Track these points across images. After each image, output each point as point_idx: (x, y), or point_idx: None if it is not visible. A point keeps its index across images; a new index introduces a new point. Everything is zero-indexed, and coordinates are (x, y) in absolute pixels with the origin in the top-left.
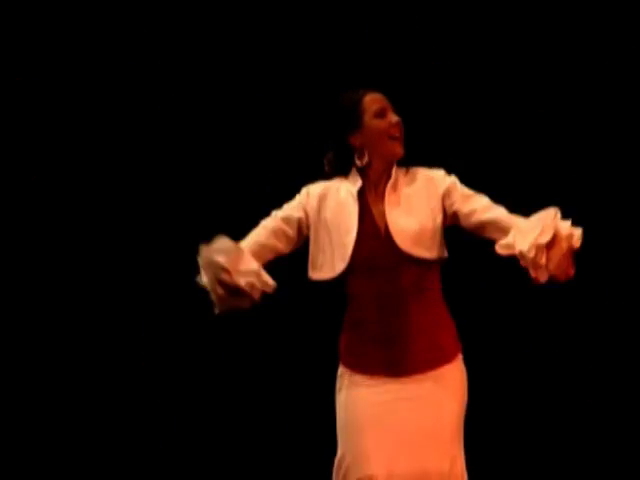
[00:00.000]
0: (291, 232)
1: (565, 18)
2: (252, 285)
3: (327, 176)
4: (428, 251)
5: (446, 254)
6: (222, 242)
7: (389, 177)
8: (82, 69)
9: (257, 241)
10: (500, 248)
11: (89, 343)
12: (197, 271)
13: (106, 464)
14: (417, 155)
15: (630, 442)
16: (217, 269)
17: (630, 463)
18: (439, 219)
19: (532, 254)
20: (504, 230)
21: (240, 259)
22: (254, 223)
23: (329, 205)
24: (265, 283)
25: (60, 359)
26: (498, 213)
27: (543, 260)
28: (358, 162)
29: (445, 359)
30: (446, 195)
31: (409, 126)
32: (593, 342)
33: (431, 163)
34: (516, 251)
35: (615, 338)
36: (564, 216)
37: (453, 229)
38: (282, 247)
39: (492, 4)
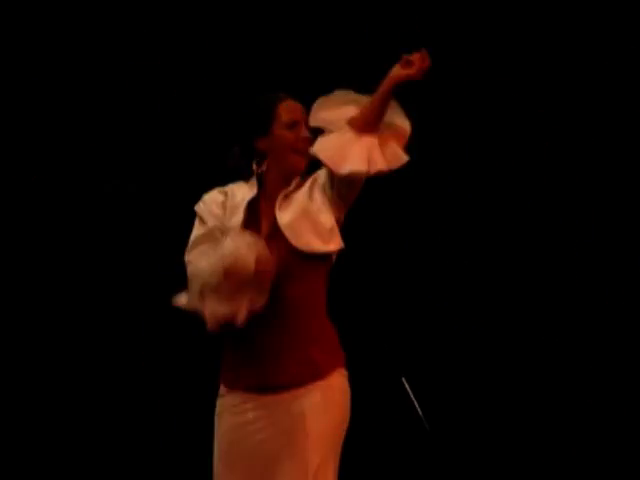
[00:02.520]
0: None
1: (564, 18)
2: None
3: (228, 171)
4: (323, 244)
5: (342, 245)
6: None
7: (286, 188)
8: (82, 69)
9: None
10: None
11: (89, 343)
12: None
13: (106, 464)
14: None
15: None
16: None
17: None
18: (328, 211)
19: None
20: None
21: None
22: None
23: (228, 208)
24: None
25: (60, 359)
26: None
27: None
28: (255, 167)
29: (317, 375)
30: (325, 183)
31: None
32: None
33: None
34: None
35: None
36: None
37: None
38: None
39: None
